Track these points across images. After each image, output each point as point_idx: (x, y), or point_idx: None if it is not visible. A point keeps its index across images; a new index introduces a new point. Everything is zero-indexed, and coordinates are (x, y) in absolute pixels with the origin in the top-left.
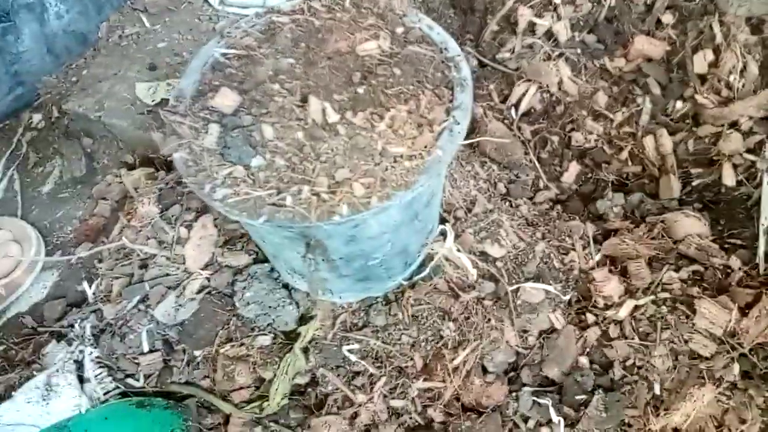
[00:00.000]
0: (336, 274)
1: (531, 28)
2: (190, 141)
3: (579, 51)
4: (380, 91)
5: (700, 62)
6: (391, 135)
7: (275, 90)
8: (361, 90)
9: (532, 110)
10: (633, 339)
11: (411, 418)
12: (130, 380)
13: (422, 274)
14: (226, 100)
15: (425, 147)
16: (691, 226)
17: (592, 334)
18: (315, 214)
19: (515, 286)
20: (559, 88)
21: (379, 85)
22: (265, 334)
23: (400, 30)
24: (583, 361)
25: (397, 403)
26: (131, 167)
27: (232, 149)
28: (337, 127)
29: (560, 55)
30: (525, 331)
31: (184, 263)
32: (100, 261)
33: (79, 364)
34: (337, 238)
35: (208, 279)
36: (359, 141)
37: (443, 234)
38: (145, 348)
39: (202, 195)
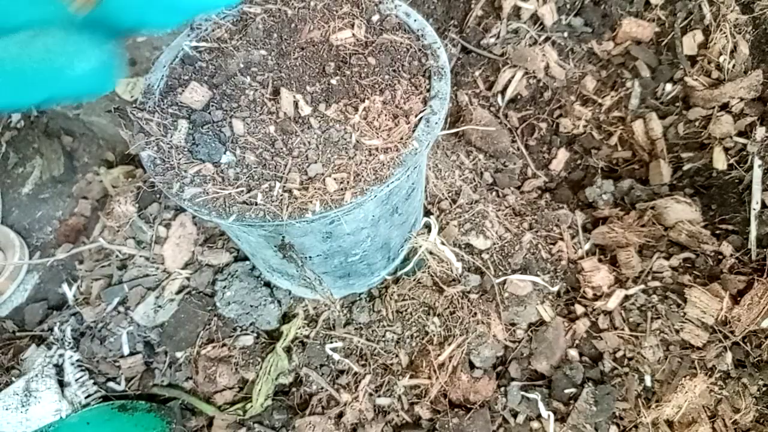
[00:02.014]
0: (315, 272)
1: (516, 12)
2: (159, 138)
3: (566, 35)
4: (354, 82)
5: (690, 43)
6: (366, 127)
7: (246, 83)
8: (334, 81)
9: (519, 97)
10: (623, 330)
11: (398, 415)
12: (111, 384)
13: (406, 269)
14: (195, 95)
15: (401, 139)
16: (681, 211)
17: (582, 325)
18: (286, 212)
19: (502, 279)
20: (546, 74)
21: (354, 75)
22: (248, 334)
23: (375, 18)
24: (573, 353)
25: (383, 401)
26: (111, 165)
27: (201, 146)
28: (310, 120)
29: (546, 39)
30: (512, 325)
31: (163, 263)
32: (81, 262)
33: (59, 369)
34: (313, 235)
35: (188, 279)
36: (332, 134)
37: (428, 227)
38: (126, 351)
39: (171, 194)
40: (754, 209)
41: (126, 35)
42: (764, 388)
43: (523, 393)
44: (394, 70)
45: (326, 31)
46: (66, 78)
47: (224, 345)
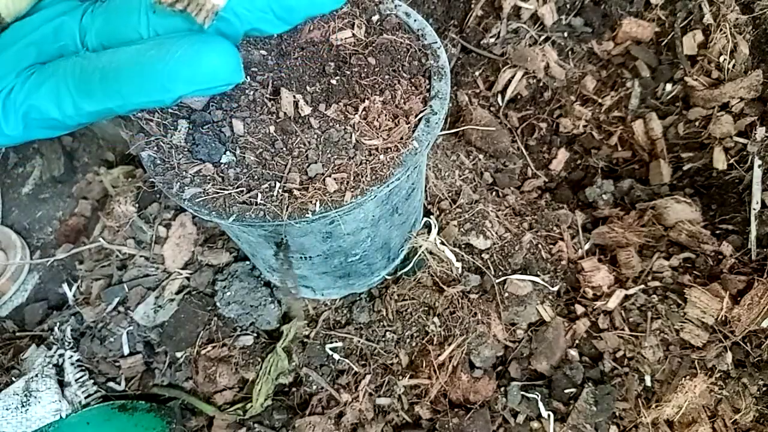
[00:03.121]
0: (315, 272)
1: (516, 12)
2: (159, 138)
3: (566, 35)
4: (354, 82)
5: (690, 43)
6: (366, 127)
7: (246, 83)
8: (334, 81)
9: (519, 97)
10: (623, 330)
11: (398, 415)
12: (111, 384)
13: (406, 269)
14: None
15: (401, 139)
16: (681, 211)
17: (582, 325)
18: (286, 212)
19: (502, 279)
20: (546, 74)
21: (354, 75)
22: (248, 334)
23: (375, 18)
24: (573, 353)
25: (383, 401)
26: (111, 165)
27: (201, 146)
28: (310, 120)
29: (546, 39)
30: (512, 325)
31: (163, 263)
32: (81, 262)
33: (59, 369)
34: (313, 235)
35: (188, 279)
36: (332, 134)
37: (428, 227)
38: (126, 351)
39: (171, 194)
40: (754, 209)
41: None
42: (764, 388)
43: (523, 393)
44: (394, 70)
45: (326, 31)
46: (201, 72)
47: (224, 345)
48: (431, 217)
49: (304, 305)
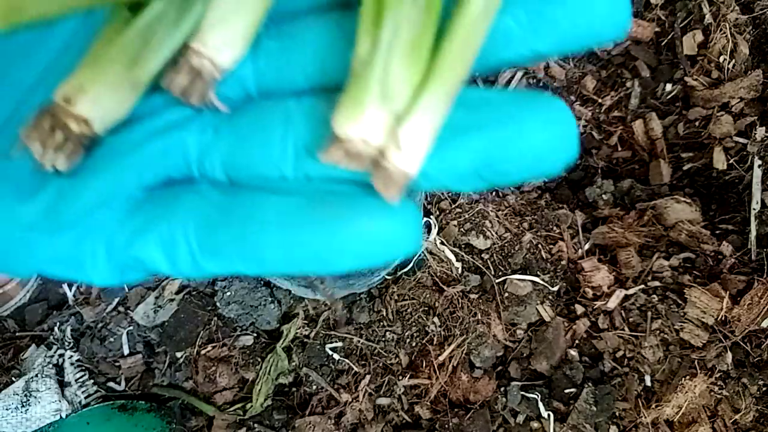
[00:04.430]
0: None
1: None
2: None
3: None
4: None
5: (690, 43)
6: None
7: None
8: None
9: None
10: (623, 330)
11: (398, 415)
12: (111, 384)
13: (406, 269)
14: None
15: None
16: (681, 211)
17: (581, 325)
18: None
19: (502, 279)
20: (546, 73)
21: None
22: (247, 334)
23: None
24: (573, 353)
25: (383, 401)
26: None
27: None
28: None
29: None
30: (512, 325)
31: None
32: None
33: (59, 369)
34: None
35: (188, 278)
36: None
37: (428, 227)
38: (126, 351)
39: None
40: (754, 209)
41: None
42: (764, 388)
43: (523, 393)
44: None
45: None
46: (376, 248)
47: (224, 345)
48: (431, 217)
49: (304, 305)
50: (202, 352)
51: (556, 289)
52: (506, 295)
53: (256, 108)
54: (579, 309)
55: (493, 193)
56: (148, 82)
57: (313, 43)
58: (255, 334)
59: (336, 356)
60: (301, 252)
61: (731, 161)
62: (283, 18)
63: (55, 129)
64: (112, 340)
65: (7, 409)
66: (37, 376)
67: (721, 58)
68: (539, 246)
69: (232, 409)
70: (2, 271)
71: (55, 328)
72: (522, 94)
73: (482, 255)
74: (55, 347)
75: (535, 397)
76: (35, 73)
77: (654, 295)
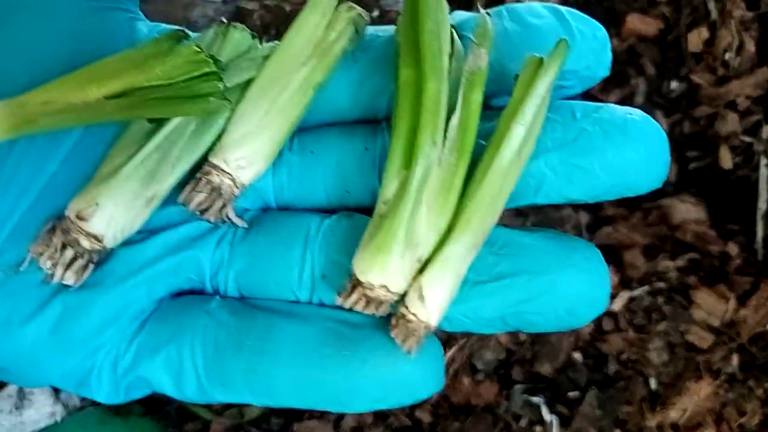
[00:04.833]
0: None
1: None
2: None
3: None
4: None
5: (695, 40)
6: None
7: None
8: None
9: None
10: (628, 332)
11: (398, 419)
12: None
13: None
14: None
15: None
16: (687, 211)
17: (585, 328)
18: None
19: None
20: None
21: None
22: None
23: (376, 13)
24: (576, 356)
25: None
26: None
27: None
28: None
29: None
30: None
31: None
32: None
33: None
34: None
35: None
36: None
37: None
38: None
39: None
40: (761, 209)
41: None
42: None
43: (526, 396)
44: None
45: None
46: (395, 393)
47: None
48: None
49: None
50: None
51: None
52: None
53: (274, 225)
54: None
55: None
56: (164, 197)
57: (336, 161)
58: None
59: None
60: (315, 391)
61: (737, 160)
62: (306, 131)
63: (66, 245)
64: None
65: (1, 412)
66: None
67: (727, 56)
68: None
69: (229, 413)
70: (14, 383)
71: None
72: (556, 240)
73: None
74: None
75: (539, 400)
76: (42, 181)
77: (659, 297)
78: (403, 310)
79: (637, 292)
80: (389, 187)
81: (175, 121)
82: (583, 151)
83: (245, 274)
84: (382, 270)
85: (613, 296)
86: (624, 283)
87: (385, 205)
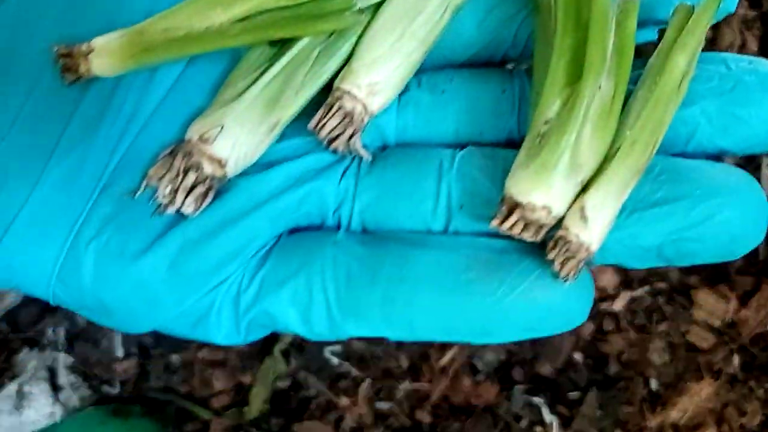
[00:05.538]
0: None
1: None
2: None
3: None
4: None
5: None
6: None
7: None
8: None
9: None
10: (628, 332)
11: (398, 420)
12: (106, 387)
13: None
14: None
15: None
16: None
17: (586, 328)
18: None
19: None
20: None
21: None
22: None
23: None
24: (577, 357)
25: (383, 406)
26: None
27: None
28: None
29: None
30: None
31: None
32: None
33: (53, 372)
34: None
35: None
36: None
37: None
38: (120, 354)
39: None
40: None
41: None
42: None
43: (526, 397)
44: None
45: None
46: (545, 321)
47: (220, 348)
48: None
49: None
50: (198, 355)
51: None
52: None
53: (403, 157)
54: None
55: None
56: (286, 124)
57: (470, 102)
58: None
59: (335, 360)
60: (459, 320)
61: (739, 161)
62: (435, 71)
63: (188, 169)
64: (106, 342)
65: (0, 412)
66: (30, 379)
67: None
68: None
69: (228, 413)
70: (120, 329)
71: (49, 331)
72: (715, 167)
73: None
74: (48, 350)
75: (539, 401)
76: (149, 108)
77: (660, 297)
78: (562, 232)
79: (638, 293)
80: (550, 107)
81: (299, 46)
82: (741, 101)
83: (372, 207)
84: (548, 189)
85: (613, 296)
86: (625, 283)
87: (546, 125)
